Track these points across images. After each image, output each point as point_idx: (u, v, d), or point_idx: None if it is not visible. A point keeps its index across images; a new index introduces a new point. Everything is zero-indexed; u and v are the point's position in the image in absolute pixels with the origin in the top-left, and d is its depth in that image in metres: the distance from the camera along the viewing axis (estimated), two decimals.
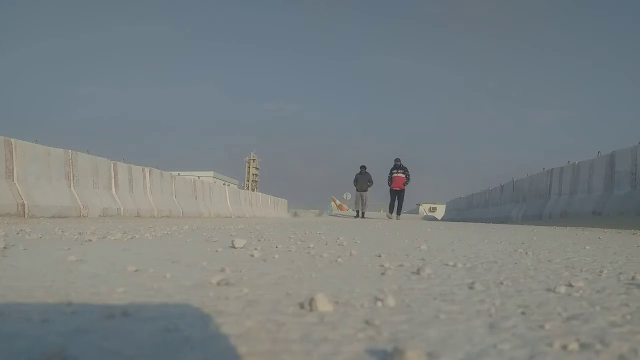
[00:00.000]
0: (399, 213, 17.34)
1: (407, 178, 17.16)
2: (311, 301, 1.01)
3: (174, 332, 0.81)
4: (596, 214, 8.43)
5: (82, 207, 7.98)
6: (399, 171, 17.15)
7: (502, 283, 1.42)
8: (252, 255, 2.00)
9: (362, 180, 18.12)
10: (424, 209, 46.13)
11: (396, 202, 17.39)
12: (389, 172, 17.60)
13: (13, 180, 6.68)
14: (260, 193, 23.87)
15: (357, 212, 18.46)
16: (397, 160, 17.52)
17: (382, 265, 1.77)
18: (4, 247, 2.07)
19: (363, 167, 18.50)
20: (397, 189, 17.15)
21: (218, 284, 1.29)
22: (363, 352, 0.74)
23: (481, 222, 13.46)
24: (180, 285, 1.27)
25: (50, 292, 1.13)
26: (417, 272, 1.58)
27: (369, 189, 18.25)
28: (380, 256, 2.13)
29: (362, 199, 18.21)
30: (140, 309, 0.97)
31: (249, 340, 0.78)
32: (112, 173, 9.41)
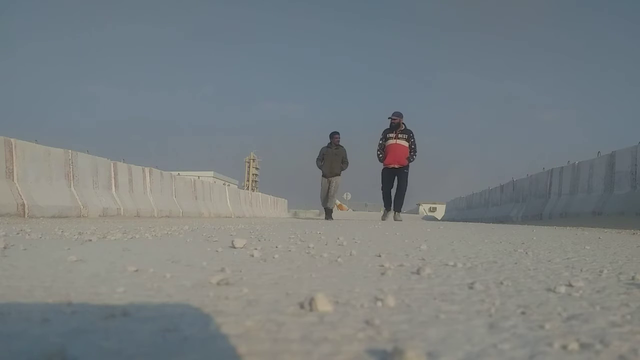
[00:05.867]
0: (398, 209, 10.10)
1: (413, 150, 9.75)
2: (311, 301, 1.01)
3: (174, 332, 0.81)
4: (596, 214, 8.43)
5: (82, 207, 7.98)
6: (400, 136, 9.68)
7: (502, 283, 1.42)
8: (252, 255, 2.00)
9: (332, 158, 10.81)
10: (423, 208, 46.15)
11: (393, 191, 10.05)
12: (380, 136, 10.00)
13: (13, 180, 6.68)
14: (260, 193, 23.88)
15: (326, 210, 11.30)
16: (395, 115, 9.69)
17: (382, 265, 1.77)
18: (4, 247, 2.07)
19: (335, 135, 10.87)
20: (396, 166, 9.75)
21: (218, 283, 1.29)
22: (363, 352, 0.74)
23: (481, 222, 13.46)
24: (180, 285, 1.27)
25: (50, 292, 1.13)
26: (417, 272, 1.58)
27: (342, 172, 11.05)
28: (380, 256, 2.12)
29: (329, 189, 11.03)
30: (140, 309, 0.97)
31: (249, 340, 0.78)
32: (112, 173, 9.42)
